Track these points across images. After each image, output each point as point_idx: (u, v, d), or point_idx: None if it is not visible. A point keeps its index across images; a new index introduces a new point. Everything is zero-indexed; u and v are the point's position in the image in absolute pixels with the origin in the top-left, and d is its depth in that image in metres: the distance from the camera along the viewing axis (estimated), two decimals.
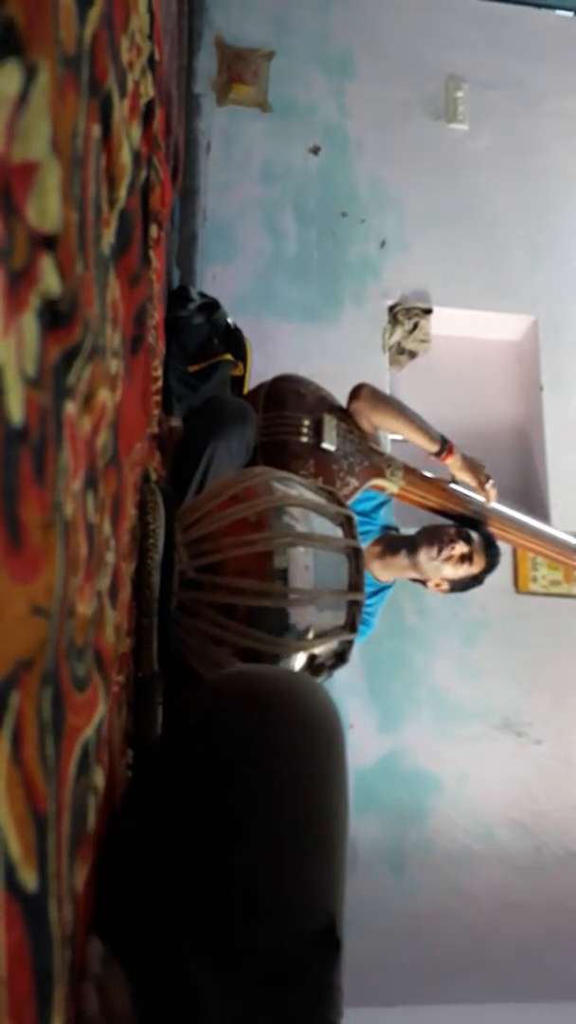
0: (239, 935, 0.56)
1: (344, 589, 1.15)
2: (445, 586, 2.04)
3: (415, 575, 2.04)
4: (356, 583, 1.16)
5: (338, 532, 1.18)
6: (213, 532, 1.12)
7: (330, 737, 0.66)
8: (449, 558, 1.96)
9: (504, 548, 2.17)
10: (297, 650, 1.10)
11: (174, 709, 0.80)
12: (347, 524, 1.20)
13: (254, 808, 0.60)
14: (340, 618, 1.15)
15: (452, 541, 1.96)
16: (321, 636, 1.12)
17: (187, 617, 1.08)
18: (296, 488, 1.21)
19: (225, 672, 0.77)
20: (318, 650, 1.13)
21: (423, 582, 2.06)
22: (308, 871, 0.60)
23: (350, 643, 1.18)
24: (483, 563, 2.00)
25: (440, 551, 1.96)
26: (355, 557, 1.17)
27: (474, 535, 2.00)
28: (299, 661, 1.12)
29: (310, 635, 1.11)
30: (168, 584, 1.04)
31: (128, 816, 0.70)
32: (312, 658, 1.14)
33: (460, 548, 1.96)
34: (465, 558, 1.97)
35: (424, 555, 1.97)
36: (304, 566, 1.10)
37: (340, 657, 1.18)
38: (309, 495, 1.21)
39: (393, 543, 2.04)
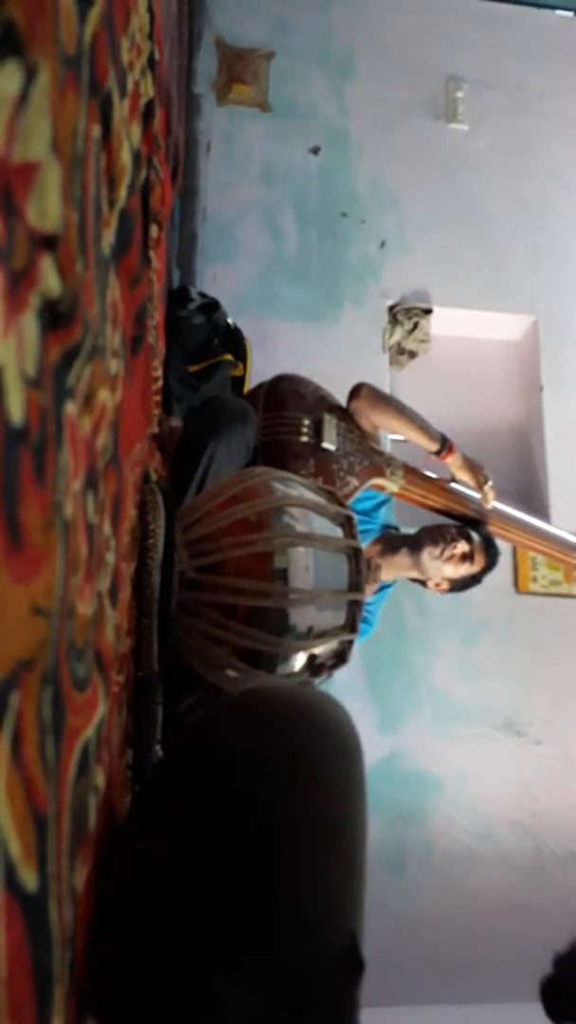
0: (261, 954, 0.56)
1: (344, 589, 1.15)
2: (445, 585, 2.04)
3: (416, 574, 2.04)
4: (356, 583, 1.16)
5: (338, 532, 1.18)
6: (213, 532, 1.12)
7: (347, 752, 0.66)
8: (451, 557, 1.97)
9: (504, 548, 2.17)
10: (297, 650, 1.10)
11: (190, 725, 0.78)
12: (347, 524, 1.20)
13: (272, 827, 0.59)
14: (340, 618, 1.15)
15: (454, 540, 1.97)
16: (321, 636, 1.12)
17: (187, 617, 1.08)
18: (296, 488, 1.21)
19: (240, 689, 0.76)
20: (318, 650, 1.14)
21: (422, 582, 2.06)
22: (330, 889, 0.59)
23: (350, 643, 1.18)
24: (483, 562, 2.01)
25: (443, 550, 1.96)
26: (355, 557, 1.17)
27: (474, 534, 2.01)
28: (299, 661, 1.12)
29: (310, 635, 1.11)
30: (168, 584, 1.04)
31: (135, 829, 0.69)
32: (312, 658, 1.14)
33: (462, 547, 1.97)
34: (466, 557, 1.98)
35: (427, 554, 1.97)
36: (304, 566, 1.10)
37: (340, 657, 1.18)
38: (309, 495, 1.21)
39: (394, 542, 2.04)
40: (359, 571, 1.16)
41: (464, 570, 2.00)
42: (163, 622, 1.03)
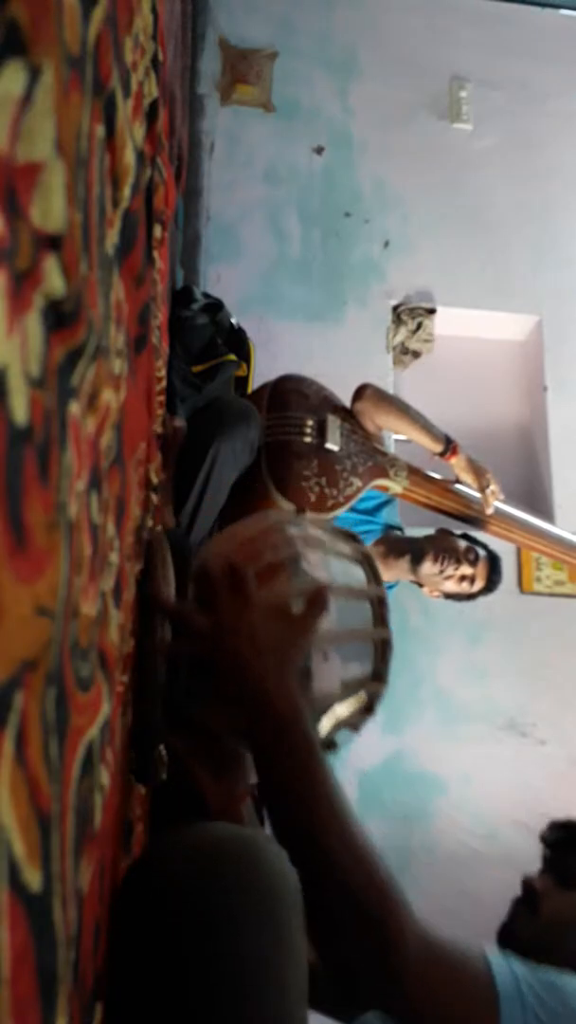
0: None
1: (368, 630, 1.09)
2: (438, 593, 2.04)
3: (414, 580, 2.04)
4: (381, 672, 1.08)
5: (360, 576, 1.11)
6: None
7: (287, 908, 0.66)
8: (451, 576, 1.97)
9: (508, 548, 2.16)
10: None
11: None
12: (378, 604, 1.10)
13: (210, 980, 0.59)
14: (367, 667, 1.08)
15: (458, 561, 1.96)
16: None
17: None
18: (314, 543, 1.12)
19: (181, 839, 0.72)
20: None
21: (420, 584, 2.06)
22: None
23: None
24: (483, 584, 2.02)
25: (443, 569, 1.96)
26: (383, 648, 1.10)
27: (482, 554, 2.00)
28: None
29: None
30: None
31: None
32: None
33: (464, 569, 1.97)
34: (466, 578, 1.98)
35: (427, 567, 1.97)
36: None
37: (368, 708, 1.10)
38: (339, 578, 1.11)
39: (398, 545, 2.04)
40: (385, 660, 1.06)
41: (464, 588, 2.00)
42: None
